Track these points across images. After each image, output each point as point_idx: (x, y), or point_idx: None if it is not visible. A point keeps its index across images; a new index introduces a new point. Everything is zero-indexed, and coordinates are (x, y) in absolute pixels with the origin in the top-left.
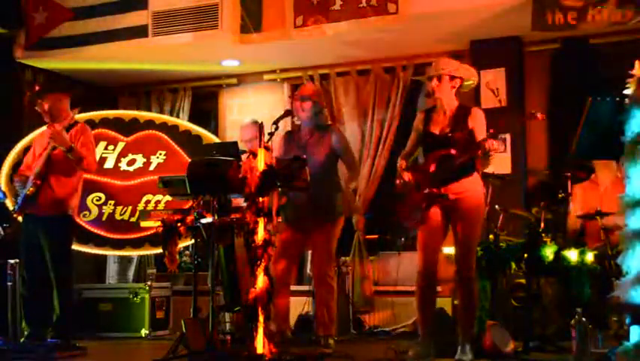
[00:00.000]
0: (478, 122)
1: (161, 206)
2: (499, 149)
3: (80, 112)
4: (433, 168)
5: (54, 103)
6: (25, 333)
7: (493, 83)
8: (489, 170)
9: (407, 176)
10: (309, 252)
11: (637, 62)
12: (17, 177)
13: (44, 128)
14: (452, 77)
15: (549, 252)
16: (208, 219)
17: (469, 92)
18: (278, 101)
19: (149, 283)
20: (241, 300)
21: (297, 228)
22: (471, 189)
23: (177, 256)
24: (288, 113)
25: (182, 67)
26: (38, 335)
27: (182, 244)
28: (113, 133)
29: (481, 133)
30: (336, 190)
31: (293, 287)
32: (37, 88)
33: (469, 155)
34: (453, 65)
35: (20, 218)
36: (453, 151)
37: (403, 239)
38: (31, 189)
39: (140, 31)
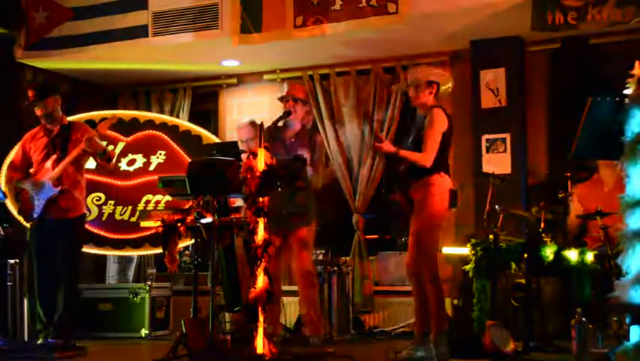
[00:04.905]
0: (428, 122)
1: (161, 206)
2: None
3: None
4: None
5: (54, 106)
6: (39, 328)
7: (493, 83)
8: (489, 170)
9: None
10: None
11: (637, 62)
12: (32, 181)
13: (35, 130)
14: (429, 83)
15: (549, 252)
16: (208, 219)
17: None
18: (278, 101)
19: (149, 283)
20: (241, 300)
21: (275, 229)
22: (425, 191)
23: (177, 256)
24: (287, 113)
25: (182, 67)
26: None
27: (182, 244)
28: (113, 133)
29: (426, 133)
30: (309, 190)
31: (292, 287)
32: (31, 95)
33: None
34: (429, 71)
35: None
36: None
37: (403, 239)
38: (55, 195)
39: (140, 31)
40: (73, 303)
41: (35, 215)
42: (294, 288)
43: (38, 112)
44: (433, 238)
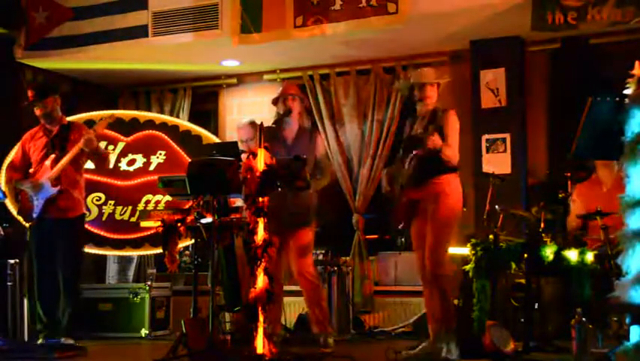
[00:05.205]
0: (446, 120)
1: (161, 206)
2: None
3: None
4: (409, 169)
5: (53, 106)
6: (39, 328)
7: (493, 83)
8: (489, 170)
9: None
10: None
11: (637, 62)
12: (30, 182)
13: (35, 130)
14: (439, 84)
15: (549, 252)
16: (208, 219)
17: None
18: (272, 104)
19: (149, 283)
20: (241, 300)
21: (275, 230)
22: (439, 190)
23: (177, 256)
24: (288, 112)
25: (182, 67)
26: (52, 331)
27: (182, 244)
28: (113, 133)
29: (448, 133)
30: (309, 190)
31: (292, 287)
32: (30, 95)
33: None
34: (435, 72)
35: (23, 220)
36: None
37: (403, 239)
38: (54, 195)
39: (140, 31)
40: (74, 303)
41: (35, 215)
42: (294, 288)
43: (37, 112)
44: (448, 238)
